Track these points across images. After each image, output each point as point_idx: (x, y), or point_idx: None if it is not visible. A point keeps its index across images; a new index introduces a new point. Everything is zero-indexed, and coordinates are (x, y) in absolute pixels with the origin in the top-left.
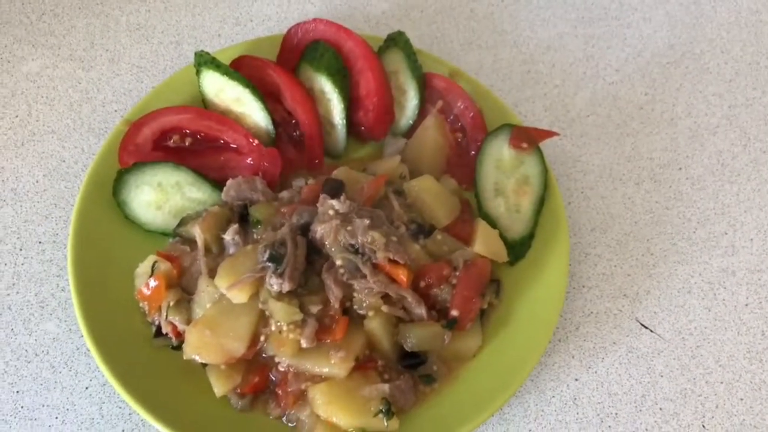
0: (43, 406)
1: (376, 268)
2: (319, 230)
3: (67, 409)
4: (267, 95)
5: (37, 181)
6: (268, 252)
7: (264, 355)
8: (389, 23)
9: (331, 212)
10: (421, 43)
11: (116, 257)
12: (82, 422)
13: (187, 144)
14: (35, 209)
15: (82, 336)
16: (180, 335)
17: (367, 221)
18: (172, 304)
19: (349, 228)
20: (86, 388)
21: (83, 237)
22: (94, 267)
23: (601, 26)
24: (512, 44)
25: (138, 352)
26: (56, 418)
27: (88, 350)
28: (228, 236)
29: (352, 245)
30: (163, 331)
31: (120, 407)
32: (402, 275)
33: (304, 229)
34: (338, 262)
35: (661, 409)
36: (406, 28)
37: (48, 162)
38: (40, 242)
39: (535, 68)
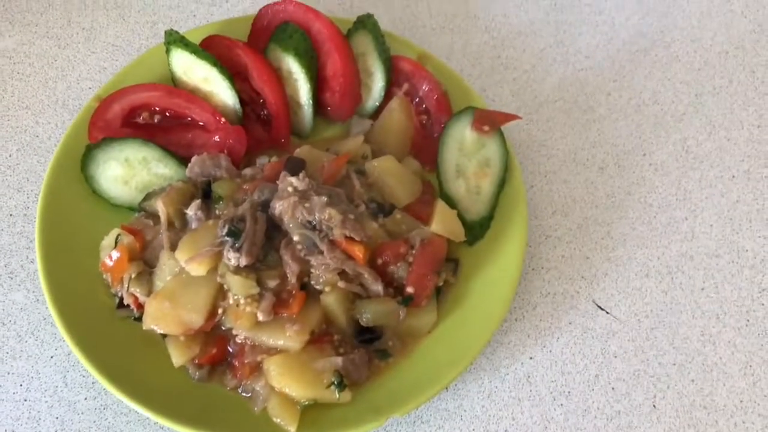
0: (9, 373)
1: (333, 244)
2: (278, 206)
3: (32, 377)
4: (236, 75)
5: (10, 155)
6: (226, 227)
7: (222, 327)
8: (362, 6)
9: (290, 189)
10: (393, 26)
11: (83, 231)
12: (46, 390)
13: (156, 121)
14: (7, 183)
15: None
16: (141, 307)
17: (324, 198)
18: (133, 276)
19: (306, 205)
20: (51, 357)
21: (51, 210)
22: (60, 239)
23: (574, 13)
24: (484, 29)
25: (101, 323)
26: (21, 385)
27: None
28: (191, 211)
29: (310, 222)
30: (125, 302)
31: (84, 376)
32: (358, 252)
33: (265, 206)
34: (296, 238)
35: (613, 388)
36: (379, 11)
37: (21, 137)
38: (11, 215)
39: (506, 53)
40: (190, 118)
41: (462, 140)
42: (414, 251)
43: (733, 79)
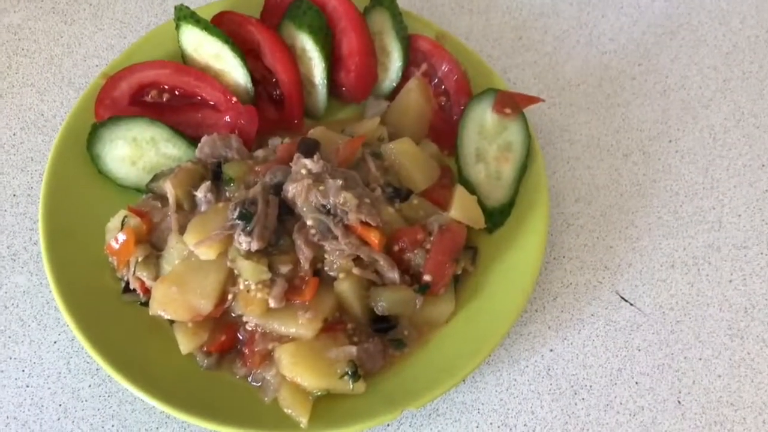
0: (11, 358)
1: (347, 229)
2: (291, 189)
3: (35, 363)
4: (248, 53)
5: (14, 134)
6: (238, 210)
7: (232, 314)
8: None
9: (303, 171)
10: (411, 4)
11: (88, 212)
12: (49, 376)
13: (164, 100)
14: (11, 162)
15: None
16: (148, 291)
17: (340, 182)
18: (140, 259)
19: (321, 188)
20: (54, 342)
21: (55, 190)
22: (65, 221)
23: None
24: (504, 9)
25: (106, 307)
26: (23, 371)
27: None
28: (200, 193)
29: (324, 206)
30: (131, 286)
31: (87, 362)
32: (374, 238)
33: (277, 189)
34: (309, 223)
35: (637, 383)
36: None
37: (26, 115)
38: (14, 195)
39: (527, 35)
40: (200, 97)
41: (482, 123)
42: (432, 238)
43: (764, 64)
